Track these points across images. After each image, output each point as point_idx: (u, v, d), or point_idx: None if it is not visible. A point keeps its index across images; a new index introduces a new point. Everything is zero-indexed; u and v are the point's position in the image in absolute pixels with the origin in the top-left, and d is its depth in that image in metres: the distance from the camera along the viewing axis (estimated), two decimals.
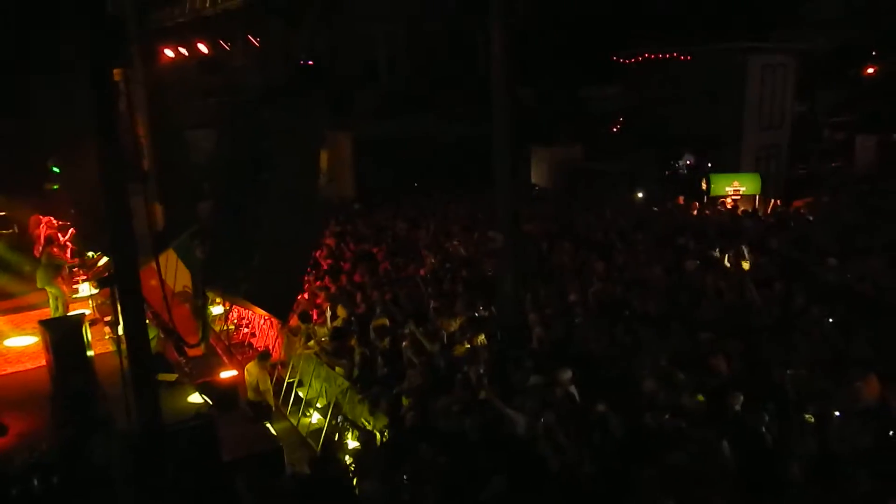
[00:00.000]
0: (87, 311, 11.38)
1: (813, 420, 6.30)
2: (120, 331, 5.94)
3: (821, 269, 10.14)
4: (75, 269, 13.56)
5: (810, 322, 8.29)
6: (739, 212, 15.85)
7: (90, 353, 9.16)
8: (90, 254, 13.76)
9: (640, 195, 18.49)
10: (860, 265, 10.11)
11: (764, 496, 5.18)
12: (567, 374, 7.57)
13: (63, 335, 8.63)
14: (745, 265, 10.54)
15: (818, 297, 9.10)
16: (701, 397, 6.83)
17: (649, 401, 7.00)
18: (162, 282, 6.08)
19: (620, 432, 6.48)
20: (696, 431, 6.23)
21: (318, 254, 14.62)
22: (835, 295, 9.18)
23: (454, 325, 9.87)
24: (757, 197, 17.39)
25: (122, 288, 5.62)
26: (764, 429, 6.18)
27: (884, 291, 9.05)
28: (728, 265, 11.34)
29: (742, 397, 6.60)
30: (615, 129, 27.13)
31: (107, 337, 10.37)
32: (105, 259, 12.41)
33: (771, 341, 7.95)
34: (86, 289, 12.80)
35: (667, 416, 6.61)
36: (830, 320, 8.37)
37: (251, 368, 9.92)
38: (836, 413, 6.28)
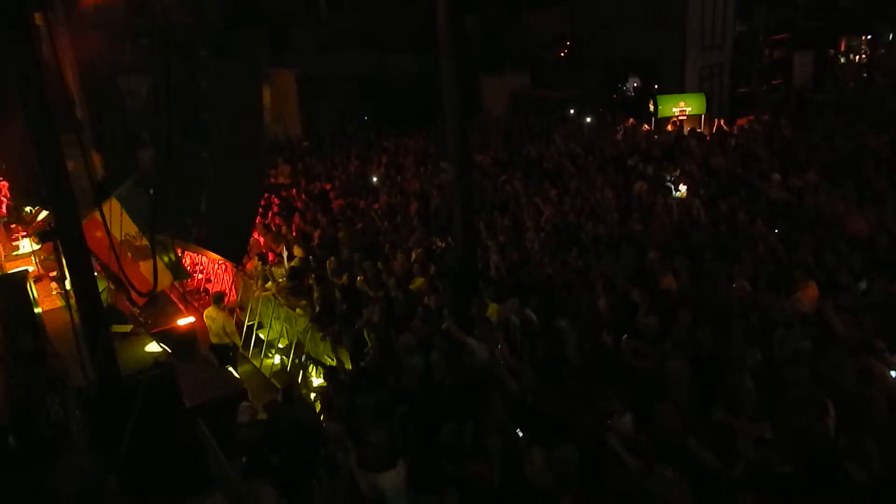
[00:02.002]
0: (31, 268, 11.01)
1: (757, 330, 6.59)
2: (68, 285, 5.80)
3: (764, 185, 10.41)
4: (13, 226, 13.06)
5: (754, 237, 8.56)
6: (685, 131, 16.10)
7: (38, 310, 8.94)
8: (27, 209, 13.25)
9: (588, 120, 18.53)
10: (800, 180, 10.42)
11: (717, 408, 5.43)
12: (515, 303, 7.71)
13: (6, 294, 8.37)
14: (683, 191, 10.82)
15: (762, 212, 9.38)
16: (654, 315, 7.06)
17: (604, 321, 7.21)
18: (108, 232, 5.91)
19: (577, 351, 6.68)
20: (650, 348, 6.47)
21: (270, 194, 14.40)
22: (777, 209, 9.48)
23: (411, 259, 9.92)
24: (702, 117, 17.62)
25: (65, 241, 5.46)
26: (711, 342, 6.46)
27: (822, 204, 9.37)
28: (675, 185, 11.60)
29: (691, 315, 6.84)
30: (562, 55, 26.90)
31: (54, 293, 10.12)
32: (45, 213, 11.99)
33: (717, 257, 8.21)
34: (27, 245, 12.36)
35: (623, 336, 6.84)
36: (776, 231, 8.67)
37: (211, 313, 9.88)
38: (778, 322, 6.58)
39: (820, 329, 6.34)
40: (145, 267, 7.39)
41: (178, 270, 8.48)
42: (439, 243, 10.40)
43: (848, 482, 4.52)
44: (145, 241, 7.21)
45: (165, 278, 8.14)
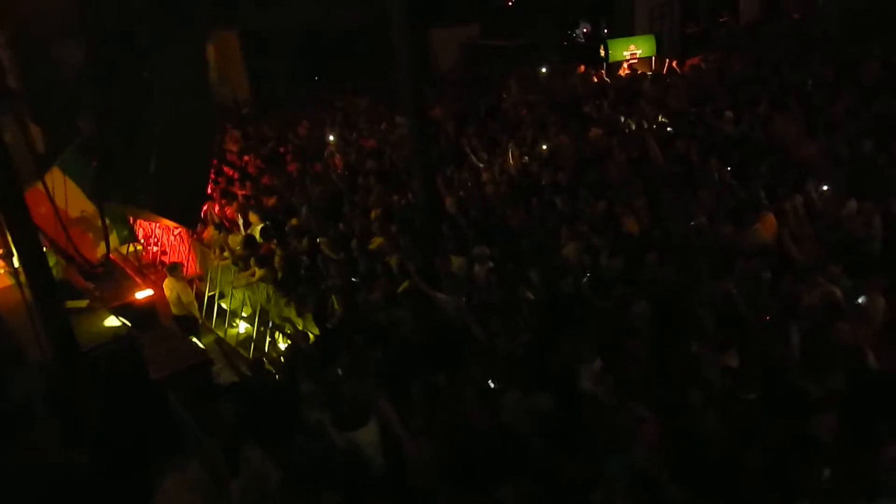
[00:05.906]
0: None
1: (717, 265, 6.68)
2: (16, 262, 5.57)
3: (718, 122, 10.50)
4: None
5: (709, 174, 8.64)
6: (638, 73, 16.11)
7: None
8: None
9: (543, 69, 18.37)
10: (752, 113, 10.54)
11: (680, 344, 5.52)
12: (484, 251, 7.70)
13: None
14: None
15: (716, 149, 9.47)
16: (618, 258, 7.10)
17: (569, 267, 7.24)
18: (53, 204, 5.66)
19: (544, 299, 6.71)
20: (615, 289, 6.52)
21: (220, 162, 14.02)
22: (731, 145, 9.58)
23: (371, 218, 9.79)
24: (653, 58, 17.62)
25: (9, 216, 5.22)
26: (673, 280, 6.54)
27: (772, 136, 9.51)
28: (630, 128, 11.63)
29: (657, 256, 6.90)
30: (510, 3, 26.58)
31: (2, 271, 9.76)
32: None
33: (674, 196, 8.28)
34: None
35: (585, 280, 6.88)
36: (728, 168, 8.77)
37: (169, 284, 9.65)
38: (739, 256, 6.68)
39: (779, 257, 6.48)
40: (94, 235, 7.13)
41: (129, 235, 8.24)
42: (399, 200, 10.28)
43: (805, 400, 4.66)
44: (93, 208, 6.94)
45: (113, 240, 7.92)
